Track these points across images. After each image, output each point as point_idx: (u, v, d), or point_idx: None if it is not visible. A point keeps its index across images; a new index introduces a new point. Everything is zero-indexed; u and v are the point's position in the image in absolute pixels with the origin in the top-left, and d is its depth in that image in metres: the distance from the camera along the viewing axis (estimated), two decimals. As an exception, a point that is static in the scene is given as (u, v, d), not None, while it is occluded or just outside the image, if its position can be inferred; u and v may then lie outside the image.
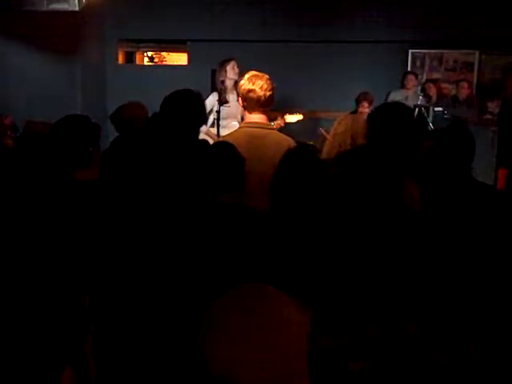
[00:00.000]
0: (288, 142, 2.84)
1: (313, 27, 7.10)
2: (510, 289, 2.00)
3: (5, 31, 6.25)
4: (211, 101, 5.35)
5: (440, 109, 6.32)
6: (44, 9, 5.56)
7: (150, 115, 3.39)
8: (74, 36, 6.50)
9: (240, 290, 1.20)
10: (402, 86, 6.99)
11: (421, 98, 6.48)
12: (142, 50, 8.38)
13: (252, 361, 1.07)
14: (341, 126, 2.99)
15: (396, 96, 6.91)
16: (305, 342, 1.08)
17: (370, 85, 6.69)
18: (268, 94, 2.88)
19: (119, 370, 1.86)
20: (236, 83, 5.12)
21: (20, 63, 6.42)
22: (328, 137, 3.04)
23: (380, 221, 1.25)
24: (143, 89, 5.74)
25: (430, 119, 6.01)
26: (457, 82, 6.93)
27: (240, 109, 4.37)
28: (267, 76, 2.95)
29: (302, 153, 2.20)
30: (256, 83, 2.88)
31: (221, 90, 5.38)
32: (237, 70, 5.48)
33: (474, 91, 7.09)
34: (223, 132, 5.06)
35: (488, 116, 6.62)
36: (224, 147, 2.35)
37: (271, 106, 2.97)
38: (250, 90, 2.88)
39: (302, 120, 5.81)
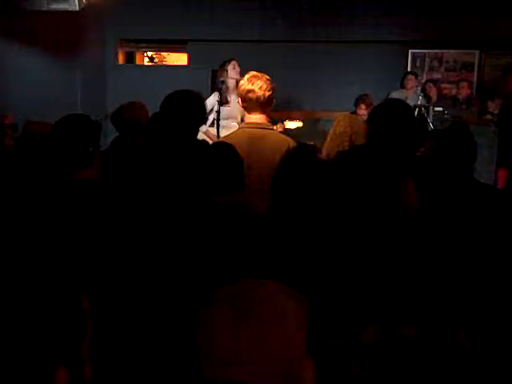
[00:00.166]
0: (288, 142, 2.84)
1: (313, 27, 7.10)
2: (511, 289, 2.00)
3: (5, 31, 6.25)
4: (212, 101, 5.35)
5: (440, 109, 6.32)
6: (44, 9, 5.56)
7: (150, 115, 3.39)
8: (73, 36, 6.49)
9: (238, 287, 1.20)
10: (402, 86, 6.99)
11: (421, 98, 6.48)
12: (141, 50, 8.38)
13: (251, 355, 1.08)
14: (339, 126, 2.99)
15: (396, 96, 6.90)
16: (304, 334, 1.08)
17: (369, 85, 6.70)
18: (267, 94, 2.87)
19: (117, 369, 1.86)
20: (238, 83, 5.12)
21: (20, 63, 6.41)
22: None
23: (378, 222, 1.25)
24: (143, 89, 5.74)
25: (430, 119, 6.01)
26: (457, 82, 6.93)
27: (240, 109, 4.36)
28: (267, 76, 2.95)
29: (302, 153, 2.20)
30: (255, 83, 2.88)
31: (221, 90, 5.38)
32: (238, 69, 5.49)
33: (474, 91, 7.09)
34: (223, 132, 5.06)
35: (488, 116, 6.61)
36: (223, 147, 2.35)
37: (271, 106, 2.97)
38: (249, 91, 2.88)
39: (301, 127, 5.81)
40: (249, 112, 2.94)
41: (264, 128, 2.91)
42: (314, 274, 1.42)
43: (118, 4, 6.91)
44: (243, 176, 2.26)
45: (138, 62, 8.42)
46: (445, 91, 7.26)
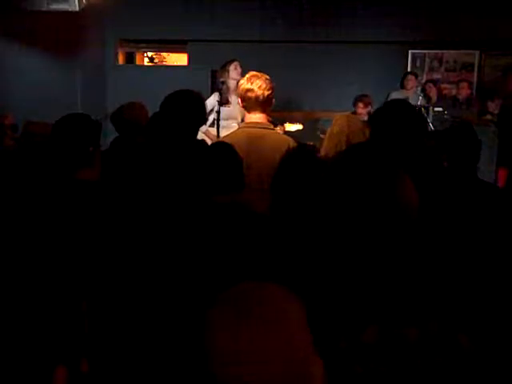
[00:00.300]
0: (288, 141, 2.84)
1: (313, 27, 7.10)
2: None
3: (5, 31, 6.25)
4: (212, 101, 5.36)
5: (440, 109, 6.32)
6: (44, 9, 5.56)
7: (150, 115, 3.39)
8: (74, 36, 6.49)
9: (238, 288, 1.19)
10: (402, 87, 7.00)
11: (421, 98, 6.48)
12: (142, 50, 8.38)
13: (252, 356, 1.07)
14: (336, 126, 2.99)
15: (396, 96, 6.90)
16: (307, 334, 1.08)
17: (369, 85, 6.70)
18: (267, 93, 2.87)
19: (117, 369, 1.86)
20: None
21: (20, 63, 6.42)
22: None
23: (378, 221, 1.25)
24: (143, 89, 5.74)
25: (429, 119, 6.02)
26: (457, 83, 6.94)
27: (241, 110, 4.37)
28: (266, 76, 2.94)
29: (302, 153, 2.20)
30: (254, 83, 2.88)
31: (221, 90, 5.39)
32: (239, 70, 5.49)
33: (474, 91, 7.10)
34: (223, 132, 5.06)
35: (488, 116, 6.62)
36: (222, 147, 2.35)
37: (271, 105, 2.97)
38: (248, 90, 2.88)
39: (301, 130, 5.82)
40: (248, 112, 2.94)
41: (264, 128, 2.90)
42: (315, 274, 1.42)
43: (118, 4, 6.91)
44: (243, 176, 2.26)
45: (138, 62, 8.42)
46: (445, 91, 7.27)
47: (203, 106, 2.88)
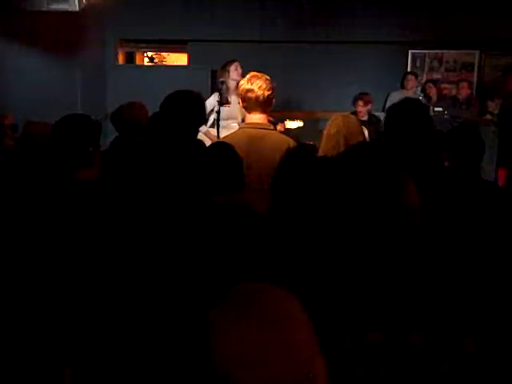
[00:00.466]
0: (288, 142, 2.84)
1: (313, 27, 7.10)
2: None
3: (5, 31, 6.25)
4: (212, 101, 5.36)
5: (440, 109, 6.32)
6: (44, 9, 5.56)
7: (150, 115, 3.39)
8: (73, 36, 6.49)
9: (240, 290, 1.19)
10: (402, 87, 7.00)
11: (421, 98, 6.48)
12: (142, 50, 8.38)
13: (255, 359, 1.07)
14: (332, 127, 2.98)
15: (396, 96, 6.90)
16: (310, 335, 1.08)
17: (369, 85, 6.70)
18: (267, 93, 2.87)
19: (118, 370, 1.86)
20: (238, 84, 5.13)
21: (20, 63, 6.42)
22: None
23: (383, 223, 1.24)
24: (143, 89, 5.74)
25: (430, 119, 6.00)
26: (457, 82, 6.93)
27: (241, 110, 4.37)
28: (267, 76, 2.94)
29: (302, 153, 2.20)
30: (255, 83, 2.88)
31: (220, 90, 5.39)
32: (240, 71, 5.48)
33: (474, 91, 7.09)
34: (223, 133, 5.06)
35: (488, 116, 6.62)
36: (222, 148, 2.35)
37: (271, 106, 2.97)
38: (248, 90, 2.88)
39: (302, 127, 5.82)
40: (249, 112, 2.94)
41: (264, 128, 2.90)
42: (316, 274, 1.42)
43: (118, 4, 6.91)
44: (243, 176, 2.26)
45: (138, 62, 8.42)
46: (445, 91, 7.26)
47: (203, 106, 2.88)
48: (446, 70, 7.44)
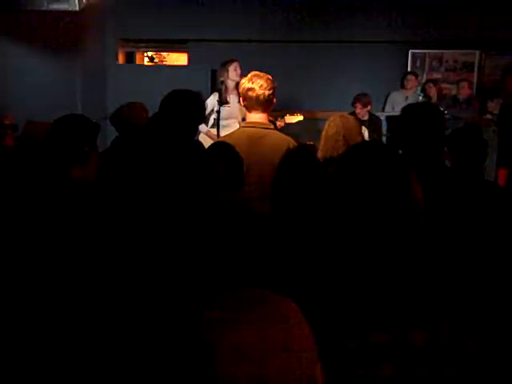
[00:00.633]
0: (288, 141, 2.84)
1: (313, 27, 7.10)
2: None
3: (5, 31, 6.25)
4: (212, 101, 5.36)
5: (440, 109, 6.30)
6: (44, 9, 5.56)
7: (150, 115, 3.39)
8: (73, 36, 6.49)
9: (239, 294, 1.19)
10: (402, 87, 7.00)
11: (421, 98, 6.48)
12: (142, 50, 8.38)
13: (252, 360, 1.07)
14: (331, 127, 2.98)
15: (396, 96, 6.92)
16: (308, 337, 1.07)
17: (369, 85, 6.70)
18: (267, 93, 2.87)
19: (117, 370, 1.86)
20: (237, 84, 5.13)
21: (20, 63, 6.41)
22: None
23: (388, 222, 1.24)
24: (143, 89, 5.74)
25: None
26: (457, 82, 6.93)
27: (242, 109, 4.37)
28: (268, 76, 2.95)
29: (302, 153, 2.20)
30: (256, 82, 2.88)
31: (220, 90, 5.39)
32: (239, 71, 5.48)
33: (473, 91, 7.09)
34: (223, 132, 5.06)
35: (488, 116, 6.62)
36: (222, 147, 2.35)
37: (271, 105, 2.96)
38: (249, 89, 2.88)
39: (302, 121, 5.82)
40: (249, 111, 2.94)
41: (264, 127, 2.90)
42: (316, 274, 1.42)
43: (118, 4, 6.91)
44: (243, 174, 2.26)
45: (138, 62, 8.41)
46: (445, 91, 7.26)
47: (201, 106, 2.88)
48: (446, 69, 7.43)
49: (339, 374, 1.12)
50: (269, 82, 2.90)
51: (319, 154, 2.93)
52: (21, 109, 4.95)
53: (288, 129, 5.25)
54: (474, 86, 7.25)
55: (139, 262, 2.03)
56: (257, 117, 2.92)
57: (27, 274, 1.95)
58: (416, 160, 2.21)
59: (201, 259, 1.96)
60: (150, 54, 9.16)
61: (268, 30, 7.12)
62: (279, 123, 5.39)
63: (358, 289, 1.21)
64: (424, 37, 7.07)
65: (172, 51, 8.96)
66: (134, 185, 2.51)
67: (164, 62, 9.65)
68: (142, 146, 3.02)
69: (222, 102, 5.29)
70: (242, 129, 3.01)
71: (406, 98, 6.72)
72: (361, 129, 3.14)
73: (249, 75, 2.96)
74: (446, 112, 6.14)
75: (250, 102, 2.90)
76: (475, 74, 7.34)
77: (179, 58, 8.99)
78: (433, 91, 6.91)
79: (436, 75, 7.41)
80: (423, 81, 7.22)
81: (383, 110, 6.96)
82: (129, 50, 8.02)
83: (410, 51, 7.37)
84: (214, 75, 6.43)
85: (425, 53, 7.40)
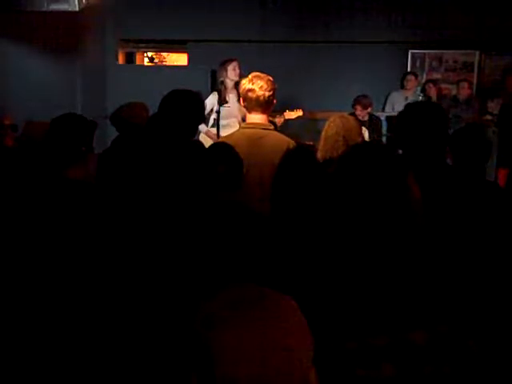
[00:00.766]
0: (287, 142, 2.84)
1: (313, 27, 7.10)
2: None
3: (5, 31, 6.26)
4: (211, 101, 5.36)
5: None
6: (44, 9, 5.57)
7: (150, 115, 3.39)
8: (73, 36, 6.49)
9: (237, 291, 1.19)
10: (402, 87, 7.00)
11: (421, 98, 6.48)
12: (142, 50, 8.38)
13: (251, 361, 1.07)
14: (331, 128, 2.97)
15: (396, 96, 6.92)
16: (307, 339, 1.07)
17: (369, 85, 6.70)
18: (267, 94, 2.87)
19: (117, 369, 1.86)
20: (236, 84, 5.14)
21: (20, 63, 6.42)
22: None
23: (388, 223, 1.24)
24: (143, 89, 5.74)
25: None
26: (457, 82, 6.93)
27: (241, 109, 4.37)
28: (269, 77, 2.94)
29: (302, 153, 2.20)
30: (256, 83, 2.88)
31: (220, 90, 5.39)
32: (238, 71, 5.48)
33: (473, 91, 7.09)
34: (223, 132, 5.06)
35: (488, 116, 6.62)
36: (222, 147, 2.35)
37: (272, 106, 2.96)
38: (249, 90, 2.88)
39: (301, 117, 5.83)
40: (249, 112, 2.94)
41: (264, 128, 2.90)
42: (318, 275, 1.41)
43: (118, 4, 6.91)
44: (242, 175, 2.26)
45: (138, 62, 8.41)
46: (445, 91, 7.26)
47: (201, 105, 2.88)
48: (446, 70, 7.43)
49: (339, 375, 1.12)
50: (269, 83, 2.90)
51: (319, 155, 2.92)
52: (21, 109, 4.96)
53: (288, 129, 5.25)
54: (474, 86, 7.25)
55: (138, 261, 2.03)
56: (257, 118, 2.91)
57: (25, 272, 1.95)
58: (417, 159, 2.20)
59: (200, 259, 1.96)
60: (149, 54, 9.16)
61: (268, 31, 7.12)
62: (279, 119, 5.38)
63: (357, 289, 1.21)
64: (424, 37, 7.06)
65: (172, 51, 8.97)
66: (134, 184, 2.51)
67: (164, 63, 9.66)
68: (142, 145, 3.02)
69: (222, 101, 5.29)
70: (241, 130, 3.01)
71: (406, 98, 6.72)
72: (361, 129, 3.13)
73: (249, 76, 2.95)
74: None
75: (250, 103, 2.89)
76: (475, 74, 7.34)
77: (179, 59, 8.99)
78: (433, 91, 6.91)
79: (436, 75, 7.41)
80: (423, 81, 7.22)
81: (383, 110, 6.96)
82: (129, 50, 8.02)
83: (410, 51, 7.37)
84: (214, 75, 6.43)
85: (425, 53, 7.40)
